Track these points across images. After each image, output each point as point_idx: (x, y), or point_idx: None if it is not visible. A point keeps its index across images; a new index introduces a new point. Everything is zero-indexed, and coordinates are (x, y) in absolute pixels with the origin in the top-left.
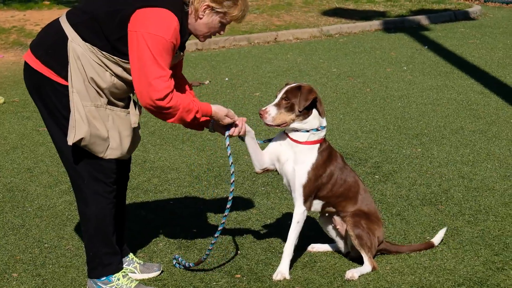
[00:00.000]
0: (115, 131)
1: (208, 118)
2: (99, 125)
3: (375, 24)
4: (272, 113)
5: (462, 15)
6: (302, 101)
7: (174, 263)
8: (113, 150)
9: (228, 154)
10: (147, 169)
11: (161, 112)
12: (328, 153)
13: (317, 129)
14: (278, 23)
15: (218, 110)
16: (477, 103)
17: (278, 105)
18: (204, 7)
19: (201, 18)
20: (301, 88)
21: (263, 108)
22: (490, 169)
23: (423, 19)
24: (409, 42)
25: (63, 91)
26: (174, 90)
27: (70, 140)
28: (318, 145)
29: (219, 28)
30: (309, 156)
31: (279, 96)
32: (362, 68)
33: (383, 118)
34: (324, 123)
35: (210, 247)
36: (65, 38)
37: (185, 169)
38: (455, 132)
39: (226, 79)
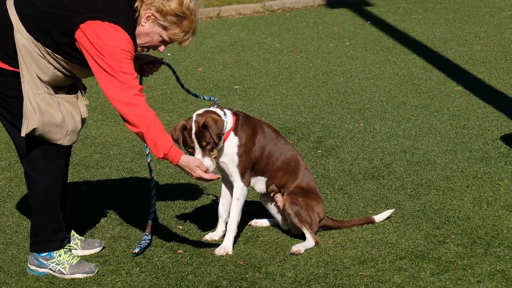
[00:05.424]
0: (70, 116)
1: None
2: (54, 112)
3: None
4: (211, 164)
5: None
6: (215, 136)
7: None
8: (70, 136)
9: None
10: (88, 144)
11: (135, 114)
12: (249, 127)
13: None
14: None
15: (187, 162)
16: (419, 78)
17: (206, 154)
18: (148, 14)
19: (143, 26)
20: (207, 126)
21: (211, 174)
22: (432, 143)
23: None
24: (352, 17)
25: (3, 73)
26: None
27: (23, 131)
28: (232, 132)
29: (159, 42)
30: (231, 143)
31: (197, 146)
32: (305, 44)
33: (325, 93)
34: (222, 113)
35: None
36: (10, 26)
37: (127, 145)
38: (397, 107)
39: (169, 54)
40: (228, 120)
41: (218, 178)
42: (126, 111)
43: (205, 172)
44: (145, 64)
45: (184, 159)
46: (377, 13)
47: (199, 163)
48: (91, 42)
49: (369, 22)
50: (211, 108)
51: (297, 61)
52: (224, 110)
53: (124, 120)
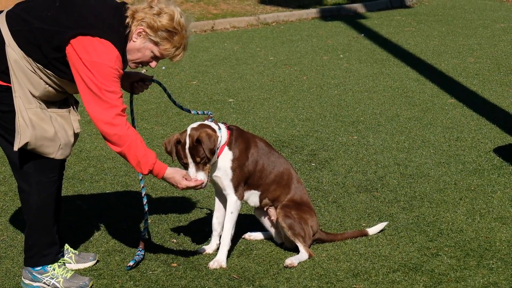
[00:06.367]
0: (62, 130)
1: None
2: (47, 126)
3: (312, 12)
4: (204, 178)
5: (398, 3)
6: (208, 152)
7: (132, 263)
8: (63, 149)
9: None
10: (83, 158)
11: (115, 134)
12: (243, 141)
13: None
14: (215, 11)
15: (173, 175)
16: (413, 90)
17: (199, 168)
18: (139, 30)
19: (134, 41)
20: (200, 141)
21: (196, 180)
22: (425, 156)
23: (359, 7)
24: (345, 30)
25: None
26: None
27: (16, 146)
28: (226, 146)
29: (150, 57)
30: (225, 157)
31: (191, 161)
32: (299, 56)
33: (319, 106)
34: (217, 127)
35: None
36: (2, 41)
37: (121, 159)
38: (391, 120)
39: (163, 67)
40: (223, 134)
41: (202, 183)
42: (107, 130)
43: (201, 187)
44: (135, 81)
45: (169, 172)
46: (370, 25)
47: (184, 173)
48: (80, 57)
49: (362, 34)
50: (206, 122)
51: (291, 74)
52: (219, 124)
53: (106, 139)
